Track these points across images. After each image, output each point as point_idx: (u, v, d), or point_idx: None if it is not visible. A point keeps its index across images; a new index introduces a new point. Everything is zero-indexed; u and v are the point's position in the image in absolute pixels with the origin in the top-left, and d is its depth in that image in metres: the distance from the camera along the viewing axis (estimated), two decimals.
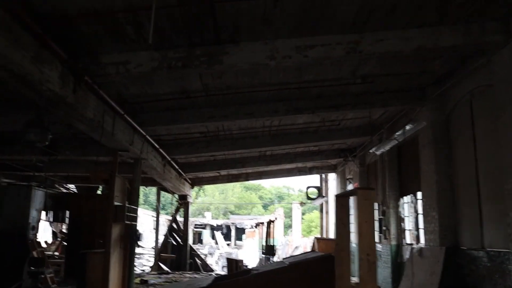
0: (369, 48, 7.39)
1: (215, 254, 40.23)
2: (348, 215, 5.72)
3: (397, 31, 7.38)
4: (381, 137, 14.26)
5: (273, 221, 15.70)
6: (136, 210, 11.86)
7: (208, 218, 62.81)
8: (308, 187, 23.09)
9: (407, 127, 10.12)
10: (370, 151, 13.06)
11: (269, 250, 15.46)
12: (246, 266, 18.11)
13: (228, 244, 53.68)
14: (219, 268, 33.42)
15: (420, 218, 12.56)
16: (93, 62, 7.27)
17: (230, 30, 7.02)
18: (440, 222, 10.38)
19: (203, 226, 57.76)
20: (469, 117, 9.73)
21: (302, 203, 31.17)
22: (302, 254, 9.66)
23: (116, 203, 10.94)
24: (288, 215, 63.03)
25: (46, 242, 25.77)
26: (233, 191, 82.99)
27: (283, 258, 9.75)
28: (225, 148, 14.96)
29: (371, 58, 8.09)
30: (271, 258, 15.17)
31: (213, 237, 54.01)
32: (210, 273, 20.94)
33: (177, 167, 16.52)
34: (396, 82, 10.48)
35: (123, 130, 10.22)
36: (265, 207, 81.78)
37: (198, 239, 51.81)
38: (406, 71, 9.76)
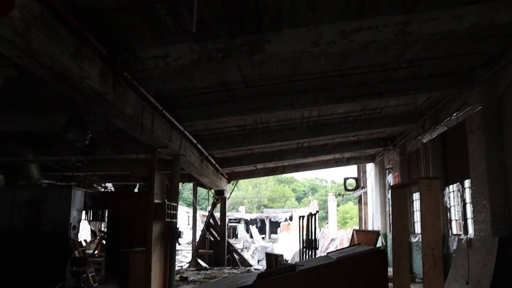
0: (419, 29, 6.94)
1: (250, 248, 40.12)
2: (405, 207, 5.31)
3: (448, 9, 6.91)
4: (424, 125, 13.73)
5: (314, 214, 15.30)
6: (176, 207, 11.70)
7: (242, 213, 62.83)
8: (345, 178, 22.63)
9: (460, 112, 9.56)
10: (418, 138, 12.52)
11: (310, 244, 15.06)
12: (286, 260, 17.84)
13: (263, 238, 53.57)
14: (255, 262, 33.31)
15: (468, 208, 12.00)
16: (132, 57, 7.07)
17: (271, 16, 6.70)
18: (492, 211, 9.83)
19: (238, 221, 57.78)
20: None
21: (340, 195, 30.59)
22: (348, 247, 9.28)
23: (156, 201, 10.81)
24: (322, 207, 62.68)
25: (85, 241, 26.12)
26: (266, 184, 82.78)
27: (328, 253, 9.37)
28: (263, 141, 14.68)
29: (420, 40, 7.66)
30: (313, 252, 14.79)
31: (248, 231, 53.97)
32: (248, 268, 20.78)
33: (214, 162, 16.33)
34: (443, 65, 9.97)
35: (161, 126, 10.05)
36: (298, 199, 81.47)
37: (233, 233, 51.74)
38: (454, 53, 9.24)
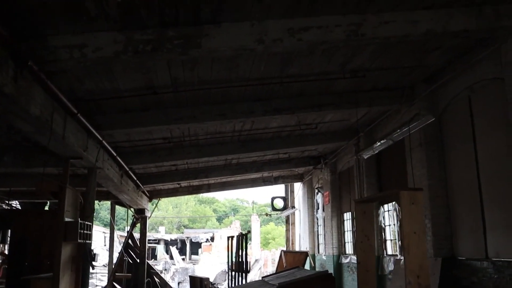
0: (372, 31, 6.33)
1: (170, 270, 38.53)
2: (371, 224, 4.48)
3: (404, 12, 6.38)
4: (358, 142, 13.36)
5: (245, 234, 14.32)
6: (91, 226, 10.27)
7: (162, 233, 61.03)
8: (273, 198, 21.93)
9: (412, 123, 9.08)
10: (359, 154, 12.02)
11: (240, 266, 14.02)
12: (213, 284, 16.68)
13: (183, 259, 52.12)
14: (175, 285, 31.68)
15: None
16: (41, 44, 5.83)
17: (212, 7, 5.79)
18: (434, 231, 9.36)
19: (157, 241, 55.93)
20: (467, 115, 8.86)
21: (267, 214, 29.89)
22: (286, 271, 8.41)
23: (67, 219, 9.37)
24: (243, 227, 62.19)
25: None
26: (187, 204, 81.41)
27: (263, 277, 8.42)
28: (190, 156, 13.55)
29: (371, 44, 7.09)
30: (243, 276, 13.74)
31: (168, 252, 52.33)
32: None
33: (135, 178, 14.93)
34: (386, 78, 9.54)
35: (75, 133, 8.70)
36: (219, 220, 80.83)
37: (152, 254, 49.59)
38: (398, 65, 8.80)
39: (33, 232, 13.27)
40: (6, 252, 19.21)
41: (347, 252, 15.73)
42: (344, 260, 15.49)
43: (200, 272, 35.33)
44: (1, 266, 18.34)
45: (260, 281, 8.29)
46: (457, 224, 9.18)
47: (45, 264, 12.14)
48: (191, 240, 59.20)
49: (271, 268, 35.72)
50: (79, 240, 9.49)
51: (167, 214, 74.50)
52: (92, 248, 10.90)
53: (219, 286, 19.92)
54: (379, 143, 10.47)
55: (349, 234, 15.69)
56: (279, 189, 27.91)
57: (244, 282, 13.37)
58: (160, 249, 53.27)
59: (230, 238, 15.80)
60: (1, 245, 19.88)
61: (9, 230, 14.64)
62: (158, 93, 8.44)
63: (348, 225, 15.92)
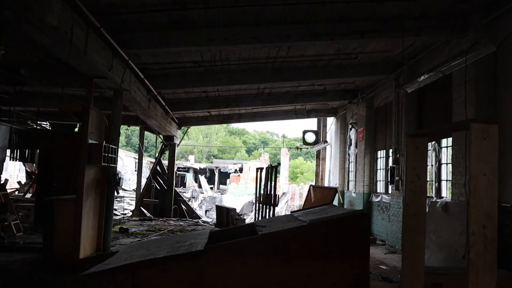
0: None
1: (198, 198, 39.11)
2: (425, 162, 3.86)
3: None
4: (399, 77, 12.44)
5: (274, 167, 13.86)
6: (116, 150, 9.94)
7: (191, 162, 61.63)
8: (305, 131, 21.27)
9: (471, 53, 8.14)
10: (403, 87, 11.12)
11: (268, 199, 13.68)
12: (239, 215, 16.56)
13: (211, 188, 52.80)
14: (202, 212, 32.15)
15: (444, 169, 10.95)
16: None
17: None
18: None
19: (186, 169, 56.62)
20: None
21: (298, 148, 29.44)
22: (317, 207, 7.93)
23: (90, 141, 9.03)
24: (272, 160, 62.38)
25: (19, 182, 23.94)
26: (217, 135, 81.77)
27: (292, 212, 7.95)
28: (221, 82, 12.94)
29: None
30: (271, 210, 13.41)
31: (196, 180, 53.05)
32: (196, 220, 19.43)
33: (164, 104, 14.49)
34: (436, 5, 8.52)
35: (99, 50, 8.15)
36: (249, 152, 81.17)
37: (181, 182, 50.44)
38: None
39: (60, 153, 13.16)
40: (36, 172, 19.50)
41: (378, 191, 15.22)
42: (375, 199, 15.01)
43: (227, 202, 35.70)
44: (34, 185, 18.67)
45: (289, 216, 7.82)
46: (504, 169, 8.44)
47: (72, 185, 12.07)
48: (220, 170, 59.82)
49: (298, 202, 35.82)
50: (103, 163, 9.20)
51: (197, 143, 75.12)
52: (117, 172, 10.66)
53: (245, 217, 19.89)
54: (426, 75, 9.58)
55: (382, 172, 15.10)
56: (310, 123, 27.22)
57: (271, 215, 13.07)
58: (189, 177, 54.14)
59: (259, 170, 15.40)
60: (33, 164, 20.17)
61: (37, 150, 14.57)
62: (187, 8, 7.72)
63: (381, 163, 15.30)
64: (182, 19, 8.33)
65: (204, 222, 18.76)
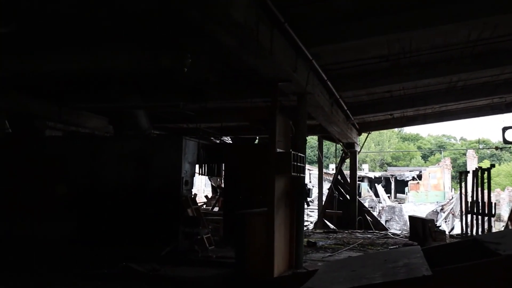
0: None
1: (376, 208, 37.47)
2: None
3: None
4: None
5: (487, 169, 11.90)
6: (304, 158, 9.22)
7: (365, 170, 60.06)
8: (505, 128, 18.38)
9: None
10: None
11: (477, 208, 11.73)
12: (438, 227, 14.73)
13: (388, 197, 50.57)
14: (382, 222, 30.36)
15: None
16: None
17: None
18: None
19: (361, 179, 55.11)
20: None
21: (498, 148, 26.17)
22: None
23: (278, 150, 8.43)
24: (453, 165, 57.60)
25: (206, 196, 25.16)
26: (390, 142, 78.78)
27: None
28: (408, 78, 11.49)
29: None
30: (485, 220, 11.43)
31: (371, 189, 51.40)
32: (383, 232, 17.97)
33: (345, 108, 13.51)
34: None
35: (284, 50, 7.47)
36: (424, 157, 76.66)
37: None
38: None
39: (244, 166, 13.05)
40: (223, 185, 20.06)
41: None
42: None
43: (407, 211, 33.53)
44: (220, 198, 19.22)
45: None
46: None
47: (256, 199, 11.77)
48: (395, 178, 57.48)
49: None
50: (292, 173, 8.53)
51: (369, 151, 73.14)
52: (306, 182, 9.97)
53: (443, 229, 17.79)
54: None
55: None
56: (509, 119, 23.73)
57: (485, 227, 11.09)
58: (364, 186, 52.81)
59: (462, 174, 13.45)
60: (218, 179, 20.87)
61: (223, 164, 14.74)
62: None
63: None
64: (366, 7, 7.22)
65: (394, 234, 17.24)
